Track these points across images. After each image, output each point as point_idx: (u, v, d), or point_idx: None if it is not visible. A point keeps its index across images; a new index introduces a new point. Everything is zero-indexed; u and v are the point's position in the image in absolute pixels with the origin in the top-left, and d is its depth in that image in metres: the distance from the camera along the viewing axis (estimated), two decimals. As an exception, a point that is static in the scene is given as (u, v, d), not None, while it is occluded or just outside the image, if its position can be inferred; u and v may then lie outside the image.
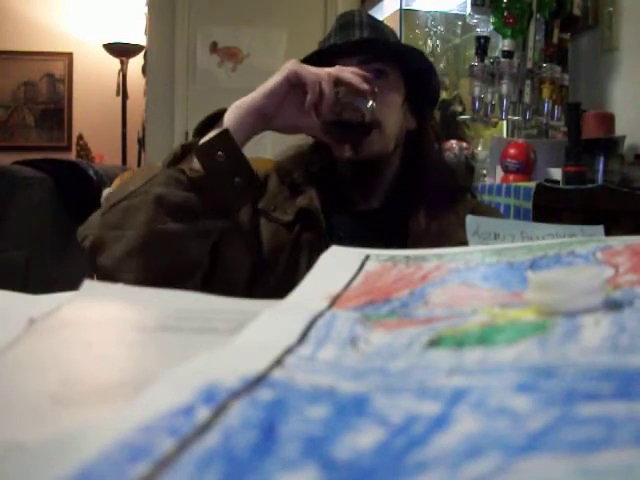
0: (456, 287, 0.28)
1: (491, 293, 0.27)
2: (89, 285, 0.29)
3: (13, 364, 0.18)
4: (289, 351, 0.22)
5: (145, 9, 3.15)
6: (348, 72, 0.77)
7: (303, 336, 0.24)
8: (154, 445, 0.15)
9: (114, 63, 3.65)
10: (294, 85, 0.75)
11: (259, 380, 0.19)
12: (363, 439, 0.16)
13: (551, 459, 0.13)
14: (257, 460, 0.15)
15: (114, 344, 0.27)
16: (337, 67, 0.77)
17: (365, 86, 0.76)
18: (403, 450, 0.15)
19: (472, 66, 1.94)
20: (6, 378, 0.18)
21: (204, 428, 0.16)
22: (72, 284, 0.35)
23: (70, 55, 3.83)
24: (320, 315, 0.26)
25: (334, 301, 0.29)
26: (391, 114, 0.85)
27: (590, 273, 0.23)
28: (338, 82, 0.76)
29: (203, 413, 0.17)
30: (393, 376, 0.20)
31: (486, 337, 0.21)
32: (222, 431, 0.16)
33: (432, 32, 2.45)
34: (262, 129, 0.77)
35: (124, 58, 3.65)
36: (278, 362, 0.21)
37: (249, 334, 0.24)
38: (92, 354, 0.25)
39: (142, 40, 3.40)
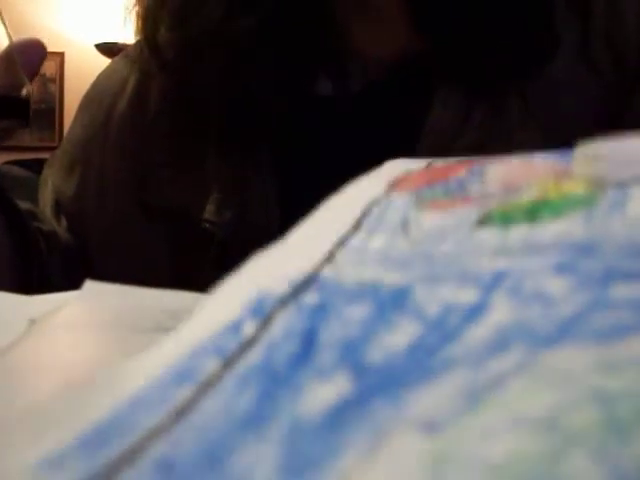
0: (515, 163, 0.26)
1: (548, 167, 0.25)
2: (90, 286, 0.29)
3: (14, 366, 0.18)
4: (341, 243, 0.22)
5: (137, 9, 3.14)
6: None
7: (357, 224, 0.23)
8: (200, 367, 0.15)
9: (106, 63, 3.64)
10: None
11: (307, 282, 0.19)
12: (398, 338, 0.16)
13: (575, 351, 0.13)
14: (293, 373, 0.15)
15: (116, 345, 0.27)
16: None
17: None
18: (434, 347, 0.15)
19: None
20: (6, 380, 0.18)
21: (249, 344, 0.16)
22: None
23: (61, 55, 3.84)
24: (376, 202, 0.25)
25: (392, 187, 0.27)
26: None
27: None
28: None
29: (249, 328, 0.17)
30: (438, 263, 0.19)
31: (534, 212, 0.20)
32: (265, 345, 0.16)
33: None
34: None
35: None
36: (329, 258, 0.21)
37: (304, 228, 0.23)
38: (94, 355, 0.25)
39: (133, 40, 3.39)
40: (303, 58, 0.49)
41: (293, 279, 0.19)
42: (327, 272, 0.20)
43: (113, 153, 0.59)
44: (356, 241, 0.22)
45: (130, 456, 0.12)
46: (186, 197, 0.53)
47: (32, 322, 0.24)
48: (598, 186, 0.20)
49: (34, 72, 0.51)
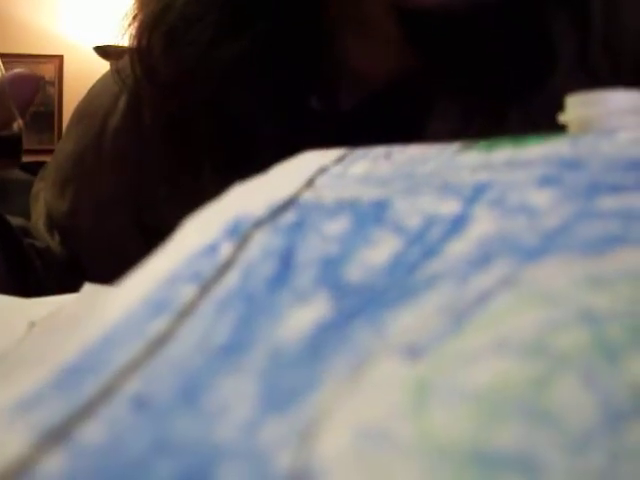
0: None
1: None
2: (89, 288, 0.29)
3: (13, 367, 0.18)
4: (321, 171, 0.21)
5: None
6: None
7: (340, 159, 0.22)
8: (176, 295, 0.15)
9: (105, 66, 3.52)
10: None
11: (286, 205, 0.18)
12: (378, 253, 0.15)
13: (561, 263, 0.12)
14: (271, 296, 0.14)
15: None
16: None
17: None
18: (415, 263, 0.14)
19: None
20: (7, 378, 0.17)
21: (226, 266, 0.15)
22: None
23: (60, 58, 3.68)
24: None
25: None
26: None
27: (633, 94, 0.22)
28: None
29: (226, 249, 0.16)
30: (419, 178, 0.19)
31: (519, 140, 0.19)
32: (242, 267, 0.15)
33: None
34: None
35: (115, 60, 3.55)
36: (308, 183, 0.20)
37: (281, 166, 0.22)
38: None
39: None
40: (296, 76, 0.48)
41: (272, 203, 0.18)
42: (306, 195, 0.19)
43: (108, 166, 0.57)
44: (337, 169, 0.21)
45: (105, 394, 0.11)
46: (185, 217, 0.51)
47: (32, 324, 0.24)
48: (587, 132, 0.19)
49: (27, 106, 0.49)
